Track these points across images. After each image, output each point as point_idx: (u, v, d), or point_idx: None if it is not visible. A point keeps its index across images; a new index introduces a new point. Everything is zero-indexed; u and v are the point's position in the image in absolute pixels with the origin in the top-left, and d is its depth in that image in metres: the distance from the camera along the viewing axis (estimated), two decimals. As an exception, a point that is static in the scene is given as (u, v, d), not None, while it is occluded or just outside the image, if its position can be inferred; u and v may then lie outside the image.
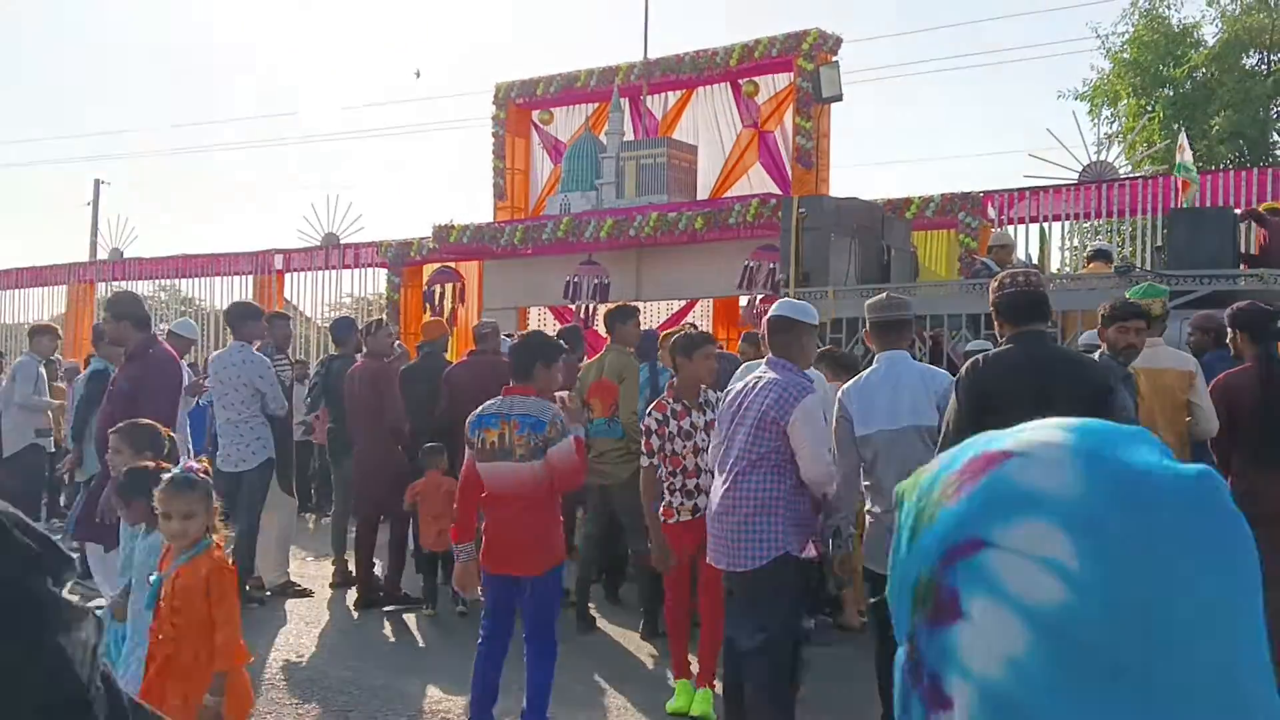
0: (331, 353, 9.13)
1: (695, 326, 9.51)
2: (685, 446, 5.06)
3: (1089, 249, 10.06)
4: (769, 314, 4.34)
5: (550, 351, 4.61)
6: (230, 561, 3.52)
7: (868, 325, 4.53)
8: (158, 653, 3.23)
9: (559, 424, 4.34)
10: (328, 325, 10.72)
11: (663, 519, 5.11)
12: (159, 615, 3.22)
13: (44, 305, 19.73)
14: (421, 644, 6.35)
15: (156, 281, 19.24)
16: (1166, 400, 5.08)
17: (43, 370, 9.27)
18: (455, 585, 4.68)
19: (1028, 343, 3.79)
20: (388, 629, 6.50)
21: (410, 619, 6.90)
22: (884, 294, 4.68)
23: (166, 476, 3.32)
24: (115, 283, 17.85)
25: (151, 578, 3.35)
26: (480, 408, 4.52)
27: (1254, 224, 8.64)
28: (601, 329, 9.75)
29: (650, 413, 5.15)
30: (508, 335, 9.04)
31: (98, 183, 28.27)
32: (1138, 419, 3.84)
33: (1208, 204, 10.60)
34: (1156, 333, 5.25)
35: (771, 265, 10.79)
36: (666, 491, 5.11)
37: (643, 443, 5.14)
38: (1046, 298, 3.88)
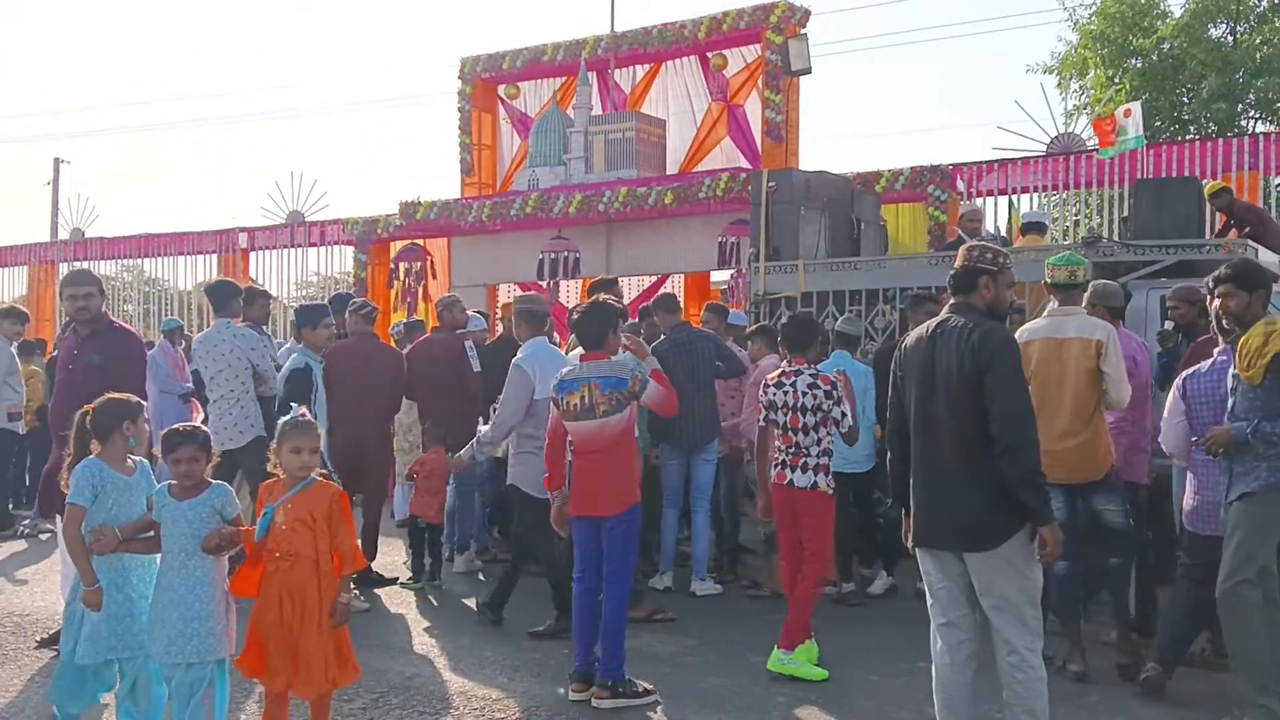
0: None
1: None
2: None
3: (1021, 221, 9.98)
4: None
5: (616, 317, 5.20)
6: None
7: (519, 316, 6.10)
8: (273, 567, 3.90)
9: (640, 376, 5.01)
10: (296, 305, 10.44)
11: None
12: (274, 536, 3.89)
13: (4, 287, 19.43)
14: (409, 620, 6.33)
15: (119, 261, 18.97)
16: (1069, 371, 4.99)
17: (14, 352, 9.16)
18: (553, 524, 5.25)
19: (947, 315, 3.97)
20: (376, 606, 6.44)
21: (389, 595, 6.88)
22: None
23: (291, 418, 4.04)
24: (77, 263, 17.54)
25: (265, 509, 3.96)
26: (563, 373, 5.11)
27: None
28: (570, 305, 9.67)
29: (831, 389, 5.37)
30: (477, 312, 8.97)
31: (57, 161, 27.80)
32: (1021, 392, 3.83)
33: (1173, 174, 10.66)
34: (1072, 302, 5.18)
35: (740, 240, 10.75)
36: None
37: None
38: (964, 271, 3.95)
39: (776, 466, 5.43)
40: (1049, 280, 5.24)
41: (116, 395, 4.23)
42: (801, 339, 5.54)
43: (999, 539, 3.73)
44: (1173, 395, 4.68)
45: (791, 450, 5.36)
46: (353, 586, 4.23)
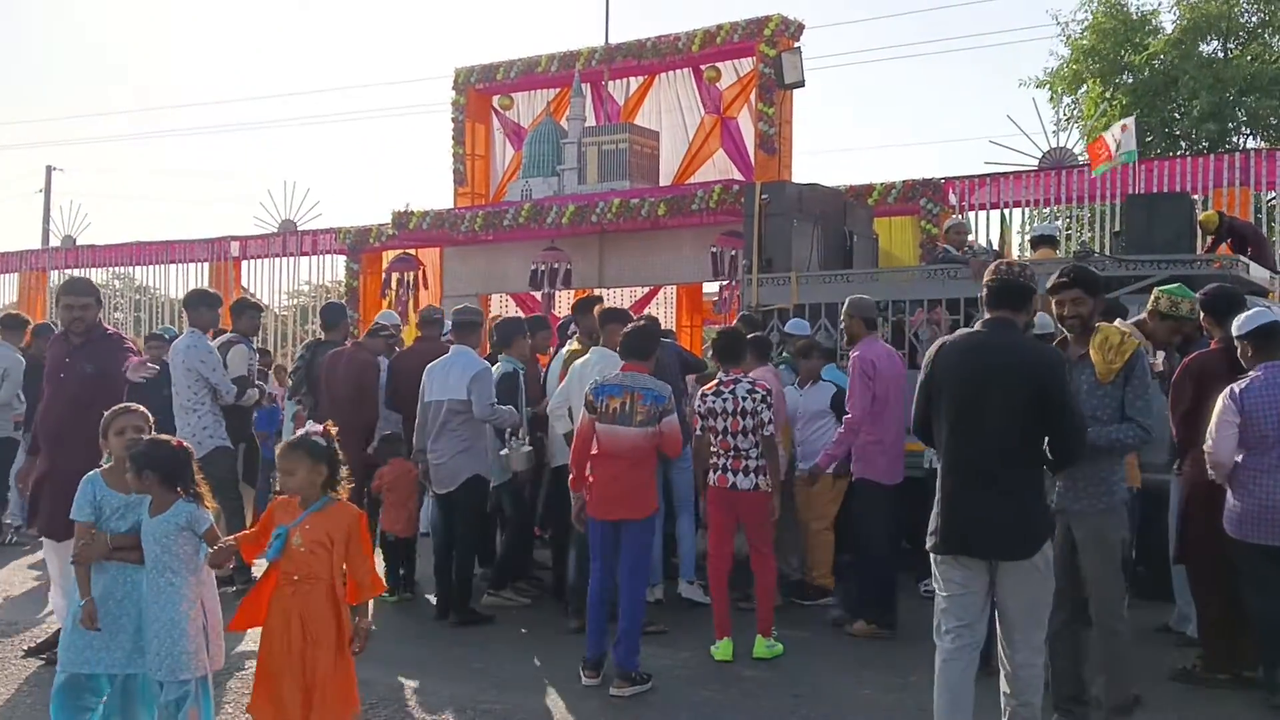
0: (317, 338, 8.98)
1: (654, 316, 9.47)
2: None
3: (1031, 234, 9.99)
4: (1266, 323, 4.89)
5: (661, 338, 5.66)
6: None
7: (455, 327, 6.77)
8: (290, 589, 3.73)
9: (673, 400, 5.30)
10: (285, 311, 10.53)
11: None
12: (290, 557, 3.73)
13: (-5, 293, 19.35)
14: (392, 631, 6.30)
15: (110, 269, 18.91)
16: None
17: (20, 358, 9.09)
18: (574, 521, 5.52)
19: (989, 328, 4.00)
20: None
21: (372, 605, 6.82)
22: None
23: (284, 442, 3.90)
24: (68, 270, 17.50)
25: (277, 530, 3.79)
26: (603, 378, 5.38)
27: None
28: (562, 315, 9.65)
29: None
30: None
31: (50, 169, 27.79)
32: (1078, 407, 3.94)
33: (1165, 189, 10.71)
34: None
35: (734, 252, 10.75)
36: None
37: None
38: (1021, 287, 3.99)
39: (716, 471, 5.72)
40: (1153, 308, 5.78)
41: (111, 409, 4.18)
42: (734, 351, 5.98)
43: (1034, 548, 3.82)
44: (1222, 406, 4.77)
45: (731, 454, 5.67)
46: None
